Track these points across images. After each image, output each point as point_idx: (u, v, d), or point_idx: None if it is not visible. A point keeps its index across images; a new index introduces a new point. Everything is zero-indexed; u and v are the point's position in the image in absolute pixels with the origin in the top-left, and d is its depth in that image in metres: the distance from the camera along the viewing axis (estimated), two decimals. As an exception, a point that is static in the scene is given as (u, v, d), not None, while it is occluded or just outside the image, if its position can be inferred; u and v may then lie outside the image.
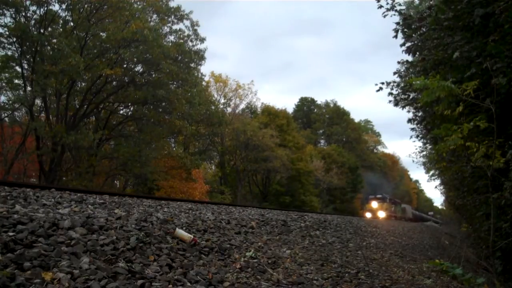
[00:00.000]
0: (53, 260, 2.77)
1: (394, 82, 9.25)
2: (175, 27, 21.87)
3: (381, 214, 33.63)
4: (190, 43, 21.80)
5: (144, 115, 21.72)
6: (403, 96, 9.42)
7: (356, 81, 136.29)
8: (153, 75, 21.18)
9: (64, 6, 18.11)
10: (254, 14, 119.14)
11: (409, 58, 8.64)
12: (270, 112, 37.56)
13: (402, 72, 9.51)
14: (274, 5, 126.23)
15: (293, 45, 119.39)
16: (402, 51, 7.94)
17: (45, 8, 17.52)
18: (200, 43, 21.89)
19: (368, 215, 33.10)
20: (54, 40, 17.68)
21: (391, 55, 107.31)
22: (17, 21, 17.01)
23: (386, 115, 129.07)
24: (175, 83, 21.75)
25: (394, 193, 54.54)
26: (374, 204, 36.04)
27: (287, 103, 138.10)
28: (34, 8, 17.52)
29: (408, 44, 8.05)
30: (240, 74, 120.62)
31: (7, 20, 17.18)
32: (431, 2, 8.12)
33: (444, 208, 47.70)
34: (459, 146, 4.90)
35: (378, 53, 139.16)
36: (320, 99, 77.36)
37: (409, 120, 10.32)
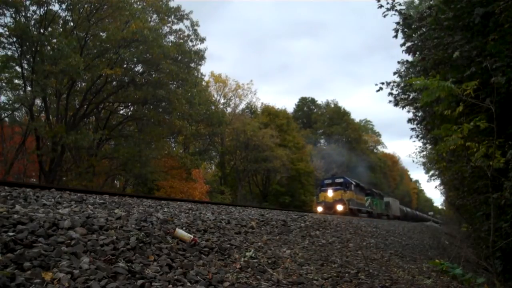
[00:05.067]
0: (53, 260, 2.77)
1: (394, 82, 9.26)
2: (175, 27, 21.95)
3: (340, 208, 22.95)
4: (190, 43, 21.89)
5: (144, 115, 21.75)
6: (403, 96, 9.42)
7: (353, 82, 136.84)
8: (153, 75, 21.20)
9: (64, 6, 18.16)
10: (250, 17, 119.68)
11: (409, 58, 8.67)
12: (270, 112, 37.58)
13: (402, 72, 9.53)
14: (269, 7, 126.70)
15: (289, 47, 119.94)
16: (402, 51, 7.95)
17: (45, 8, 17.53)
18: (200, 43, 21.99)
19: (319, 209, 23.21)
20: (54, 40, 17.66)
21: (387, 57, 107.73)
22: (17, 21, 17.00)
23: (386, 115, 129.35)
24: (175, 83, 21.77)
25: (394, 193, 54.24)
26: (330, 192, 24.10)
27: (285, 104, 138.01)
28: (34, 8, 17.56)
29: (408, 44, 8.06)
30: (237, 75, 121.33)
31: (7, 20, 17.23)
32: (431, 2, 8.13)
33: (444, 208, 47.64)
34: (459, 146, 4.90)
35: (374, 55, 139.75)
36: (319, 100, 77.43)
37: (409, 120, 10.34)
